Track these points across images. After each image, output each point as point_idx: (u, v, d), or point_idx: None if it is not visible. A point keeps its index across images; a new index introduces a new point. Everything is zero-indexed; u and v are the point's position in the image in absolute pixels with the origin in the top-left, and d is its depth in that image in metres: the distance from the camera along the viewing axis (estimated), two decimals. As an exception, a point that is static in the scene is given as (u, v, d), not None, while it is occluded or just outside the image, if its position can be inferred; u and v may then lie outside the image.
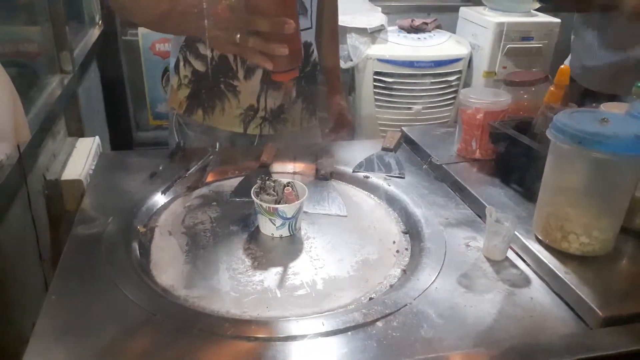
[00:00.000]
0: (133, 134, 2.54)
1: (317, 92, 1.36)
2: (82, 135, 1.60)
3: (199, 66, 1.17)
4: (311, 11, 1.21)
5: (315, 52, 1.29)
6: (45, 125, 1.26)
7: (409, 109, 2.52)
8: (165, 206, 0.98)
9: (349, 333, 0.68)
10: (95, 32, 2.11)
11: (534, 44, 2.50)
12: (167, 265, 0.81)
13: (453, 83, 2.52)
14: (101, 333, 0.66)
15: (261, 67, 0.97)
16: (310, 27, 1.23)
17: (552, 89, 1.02)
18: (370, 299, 0.76)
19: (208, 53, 1.14)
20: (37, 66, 1.51)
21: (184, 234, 0.90)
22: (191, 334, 0.66)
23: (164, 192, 0.99)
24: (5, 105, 0.94)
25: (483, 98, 1.13)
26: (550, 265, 0.79)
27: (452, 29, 2.73)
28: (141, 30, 2.22)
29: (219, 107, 1.20)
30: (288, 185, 0.89)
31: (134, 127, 2.54)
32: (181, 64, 1.20)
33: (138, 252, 0.84)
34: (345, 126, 1.43)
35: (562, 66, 1.02)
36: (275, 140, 1.24)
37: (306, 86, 1.27)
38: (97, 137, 1.57)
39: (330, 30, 1.39)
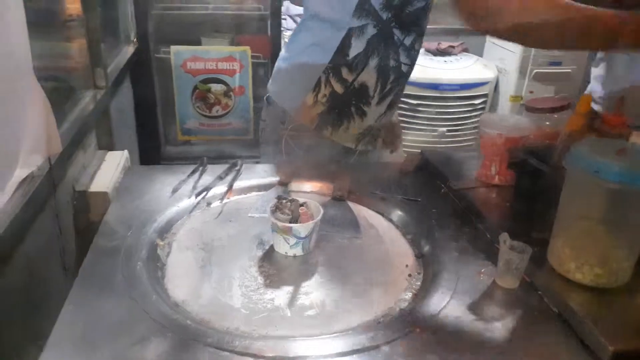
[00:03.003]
0: (162, 148, 2.59)
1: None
2: (112, 149, 1.65)
3: (338, 88, 1.22)
4: None
5: None
6: (76, 138, 1.31)
7: (434, 131, 2.52)
8: (184, 221, 1.00)
9: (355, 356, 0.68)
10: (129, 49, 2.18)
11: (562, 69, 2.48)
12: (182, 280, 0.84)
13: (479, 106, 2.52)
14: (113, 343, 0.68)
15: None
16: None
17: (573, 116, 1.02)
18: (379, 322, 0.77)
19: (350, 78, 1.20)
20: (73, 81, 1.58)
21: (201, 249, 0.92)
22: (200, 349, 0.68)
23: (186, 207, 1.02)
24: (38, 119, 0.99)
25: (503, 124, 1.13)
26: (563, 296, 0.78)
27: (479, 52, 2.73)
28: (173, 49, 2.29)
29: (345, 125, 1.26)
30: (303, 205, 0.91)
31: (163, 142, 2.60)
32: (322, 84, 1.23)
33: (155, 265, 0.86)
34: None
35: (584, 94, 1.01)
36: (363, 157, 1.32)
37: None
38: (125, 151, 1.62)
39: None
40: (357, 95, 1.22)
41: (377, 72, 1.19)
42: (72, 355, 0.66)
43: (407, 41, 1.19)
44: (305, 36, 1.25)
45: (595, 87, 1.66)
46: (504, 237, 0.84)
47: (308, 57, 1.23)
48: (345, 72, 1.20)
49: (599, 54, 1.66)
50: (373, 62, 1.18)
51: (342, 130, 1.26)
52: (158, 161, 2.53)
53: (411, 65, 1.25)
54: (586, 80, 2.49)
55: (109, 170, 1.46)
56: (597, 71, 1.69)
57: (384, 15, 1.14)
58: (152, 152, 2.46)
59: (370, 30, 1.16)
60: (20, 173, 0.93)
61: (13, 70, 0.90)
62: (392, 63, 1.19)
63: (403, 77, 1.24)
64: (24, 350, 0.81)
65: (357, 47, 1.17)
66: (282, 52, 1.33)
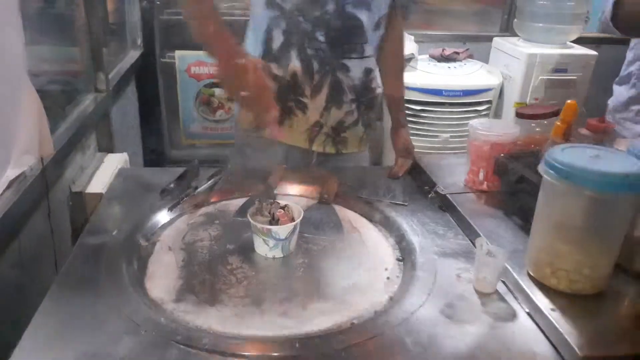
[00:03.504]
0: (167, 152, 2.63)
1: (375, 120, 1.41)
2: (112, 151, 1.68)
3: (272, 85, 1.22)
4: (372, 42, 1.27)
5: (378, 80, 1.33)
6: (73, 140, 1.34)
7: (436, 137, 2.51)
8: (169, 222, 1.02)
9: (324, 357, 0.69)
10: (135, 54, 2.22)
11: (568, 76, 2.46)
12: (161, 279, 0.85)
13: (483, 113, 2.51)
14: (85, 340, 0.70)
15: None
16: (370, 56, 1.28)
17: (557, 123, 1.02)
18: (352, 324, 0.77)
19: (281, 72, 1.22)
20: (77, 84, 1.61)
21: (182, 250, 0.94)
22: (171, 346, 0.69)
23: (170, 209, 1.04)
24: (31, 120, 1.02)
25: (492, 130, 1.13)
26: (536, 301, 0.78)
27: (484, 59, 2.72)
28: (178, 53, 2.33)
29: (288, 123, 1.27)
30: (284, 208, 0.92)
31: (167, 146, 2.63)
32: None
33: (136, 265, 0.88)
34: (409, 159, 1.37)
35: (568, 101, 1.01)
36: (328, 162, 1.32)
37: (366, 111, 1.33)
38: (125, 154, 1.65)
39: (395, 63, 1.41)
40: (291, 88, 1.23)
41: (301, 64, 1.20)
42: (45, 351, 0.68)
43: (319, 34, 1.18)
44: (248, 34, 1.28)
45: (618, 107, 1.58)
46: (481, 241, 0.85)
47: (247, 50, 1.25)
48: (275, 68, 1.22)
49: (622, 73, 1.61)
50: (294, 54, 1.20)
51: (287, 128, 1.26)
52: (162, 164, 2.56)
53: (330, 57, 1.21)
54: (592, 88, 2.47)
55: (107, 172, 1.48)
56: (620, 90, 1.61)
57: (287, 6, 1.16)
58: (156, 155, 2.49)
59: (282, 22, 1.18)
60: (11, 172, 0.96)
61: (6, 72, 0.92)
62: (310, 53, 1.20)
63: (328, 67, 1.22)
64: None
65: (277, 39, 1.19)
66: None
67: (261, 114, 0.98)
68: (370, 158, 1.47)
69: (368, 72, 1.28)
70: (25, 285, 1.00)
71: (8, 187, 0.95)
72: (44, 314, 0.75)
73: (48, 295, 0.78)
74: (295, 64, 1.20)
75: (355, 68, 1.25)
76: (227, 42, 1.02)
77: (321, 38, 1.19)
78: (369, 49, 1.26)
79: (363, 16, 1.20)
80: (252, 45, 1.24)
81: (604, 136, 0.93)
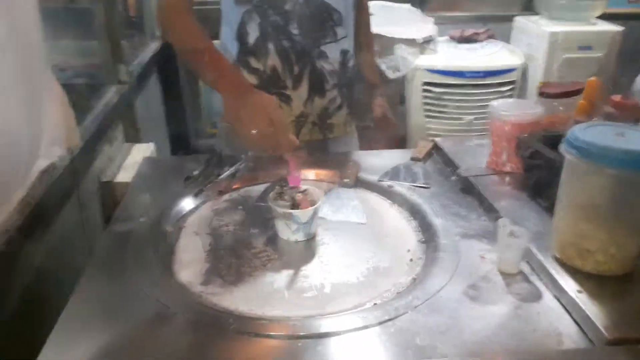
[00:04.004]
0: (191, 140, 2.67)
1: (357, 99, 1.41)
2: (139, 142, 1.72)
3: (252, 79, 1.25)
4: (348, 20, 1.28)
5: (353, 59, 1.34)
6: (100, 131, 1.37)
7: (460, 119, 2.49)
8: (195, 208, 1.04)
9: (345, 336, 0.71)
10: (155, 45, 2.25)
11: (592, 54, 2.40)
12: (189, 263, 0.88)
13: (506, 94, 2.47)
14: (118, 323, 0.73)
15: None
16: (346, 36, 1.28)
17: (581, 102, 1.00)
18: (375, 304, 0.78)
19: (260, 66, 1.22)
20: (100, 77, 1.65)
21: (208, 234, 0.96)
22: (199, 327, 0.72)
23: (195, 195, 1.06)
24: (57, 112, 1.04)
25: (512, 110, 1.12)
26: (562, 282, 0.78)
27: (506, 39, 2.67)
28: (198, 43, 2.35)
29: None
30: (304, 192, 0.93)
31: (192, 134, 2.67)
32: None
33: (164, 250, 0.91)
34: (389, 127, 1.45)
35: (590, 79, 0.99)
36: (318, 147, 1.32)
37: (348, 93, 1.34)
38: (151, 144, 1.68)
39: (365, 34, 1.45)
40: (272, 81, 1.23)
41: (278, 55, 1.21)
42: (79, 333, 0.71)
43: (292, 26, 1.19)
44: (224, 28, 1.28)
45: None
46: (504, 222, 0.84)
47: (226, 48, 1.25)
48: (254, 62, 1.22)
49: None
50: (271, 46, 1.20)
51: None
52: (188, 153, 2.60)
53: (306, 48, 1.22)
54: (618, 66, 2.41)
55: (134, 161, 1.52)
56: None
57: (256, 1, 1.16)
58: (182, 144, 2.53)
59: (256, 16, 1.18)
60: (41, 163, 0.99)
61: (30, 67, 0.95)
62: (286, 45, 1.20)
63: (305, 58, 1.22)
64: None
65: (253, 33, 1.19)
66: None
67: (276, 152, 0.99)
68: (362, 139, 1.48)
69: (344, 53, 1.29)
70: (59, 271, 1.04)
71: (39, 177, 0.98)
72: (78, 299, 0.77)
73: (80, 282, 0.81)
74: (273, 57, 1.21)
75: (332, 52, 1.26)
76: (234, 79, 1.05)
77: (295, 31, 1.19)
78: (342, 31, 1.26)
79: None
80: (228, 40, 1.24)
81: (629, 114, 0.91)
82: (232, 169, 1.15)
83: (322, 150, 1.35)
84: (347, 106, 1.36)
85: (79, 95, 1.38)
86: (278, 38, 1.19)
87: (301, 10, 1.18)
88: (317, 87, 1.26)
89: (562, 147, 0.78)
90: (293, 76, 1.24)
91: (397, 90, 2.61)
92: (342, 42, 1.27)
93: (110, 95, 1.54)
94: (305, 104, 1.27)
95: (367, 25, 1.46)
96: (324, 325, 0.72)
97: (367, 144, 1.47)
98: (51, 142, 1.02)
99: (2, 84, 0.86)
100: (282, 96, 1.25)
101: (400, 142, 2.51)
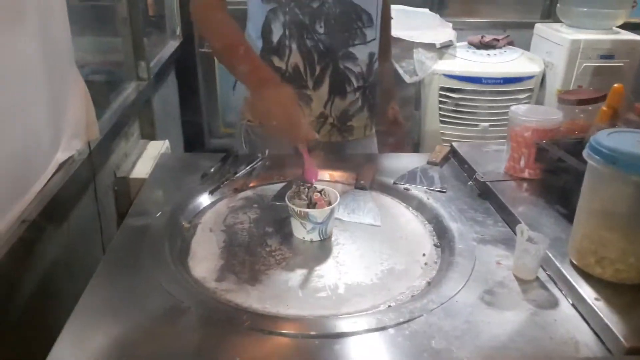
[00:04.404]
0: (205, 140, 2.68)
1: (377, 102, 1.41)
2: (154, 139, 1.73)
3: None
4: (377, 23, 1.28)
5: (377, 62, 1.34)
6: (117, 126, 1.38)
7: (475, 126, 2.47)
8: (210, 205, 1.05)
9: (359, 337, 0.70)
10: (174, 44, 2.27)
11: (614, 63, 2.37)
12: (203, 259, 0.88)
13: (523, 101, 2.45)
14: (132, 317, 0.73)
15: None
16: (375, 39, 1.29)
17: (603, 108, 0.99)
18: (389, 306, 0.78)
19: (282, 65, 1.22)
20: (121, 73, 1.67)
21: (223, 231, 0.96)
22: (212, 323, 0.72)
23: (211, 192, 1.07)
24: (79, 106, 1.06)
25: (532, 116, 1.11)
26: (580, 290, 0.77)
27: (526, 46, 2.65)
28: (217, 43, 2.36)
29: None
30: (321, 192, 0.93)
31: (206, 134, 2.68)
32: None
33: (179, 245, 0.91)
34: (399, 131, 1.48)
35: (614, 85, 0.98)
36: (336, 149, 1.32)
37: (370, 95, 1.34)
38: (166, 141, 1.70)
39: (384, 40, 1.43)
40: (294, 80, 1.22)
41: (301, 55, 1.20)
42: (93, 326, 0.71)
43: (318, 25, 1.18)
44: (248, 25, 1.28)
45: None
46: (522, 227, 0.83)
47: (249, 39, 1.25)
48: (276, 60, 1.22)
49: None
50: (294, 45, 1.19)
51: None
52: (202, 152, 2.62)
53: (330, 48, 1.22)
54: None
55: (150, 158, 1.53)
56: None
57: None
58: (196, 143, 2.55)
59: (281, 15, 1.17)
60: (61, 156, 1.00)
61: (56, 61, 0.96)
62: (309, 44, 1.19)
63: (328, 59, 1.22)
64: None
65: (277, 31, 1.19)
66: None
67: (294, 142, 1.02)
68: (378, 141, 1.48)
69: (371, 55, 1.29)
70: (74, 264, 1.04)
71: (58, 169, 0.99)
72: (92, 292, 0.78)
73: (95, 274, 0.81)
74: (295, 56, 1.21)
75: (361, 54, 1.25)
76: (264, 74, 1.07)
77: (321, 30, 1.19)
78: (371, 33, 1.26)
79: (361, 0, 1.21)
80: (252, 39, 1.24)
81: (653, 122, 0.90)
82: (248, 168, 1.15)
83: (340, 152, 1.34)
84: (368, 109, 1.35)
85: (98, 91, 1.40)
86: (302, 37, 1.19)
87: (329, 10, 1.18)
88: (338, 88, 1.26)
89: (585, 153, 0.77)
90: (314, 76, 1.24)
91: (413, 95, 2.60)
92: (371, 44, 1.27)
93: (130, 91, 1.56)
94: (325, 105, 1.27)
95: (388, 28, 1.46)
96: (339, 325, 0.71)
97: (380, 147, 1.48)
98: (72, 136, 1.03)
99: (31, 78, 0.87)
100: (303, 96, 1.25)
101: (412, 148, 2.50)
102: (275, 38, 1.20)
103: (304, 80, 1.24)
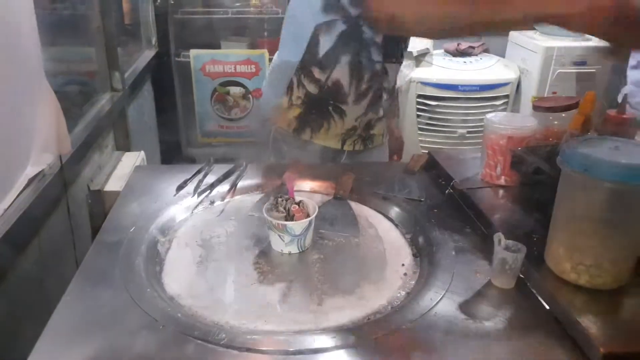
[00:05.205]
0: (183, 149, 2.65)
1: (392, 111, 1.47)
2: (129, 150, 1.70)
3: (312, 89, 1.25)
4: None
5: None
6: (91, 138, 1.35)
7: (453, 132, 2.49)
8: (186, 219, 1.03)
9: (339, 353, 0.69)
10: (150, 53, 2.24)
11: (586, 69, 2.42)
12: (178, 275, 0.86)
13: (500, 108, 2.48)
14: (105, 333, 0.71)
15: None
16: (404, 57, 1.33)
17: (576, 115, 1.00)
18: (368, 319, 0.77)
19: (322, 77, 1.22)
20: (94, 84, 1.63)
21: (199, 246, 0.94)
22: (188, 341, 0.70)
23: (187, 205, 1.05)
24: (49, 119, 1.03)
25: (507, 123, 1.12)
26: (557, 296, 0.77)
27: (501, 53, 2.69)
28: (193, 52, 2.34)
29: (325, 127, 1.28)
30: (299, 204, 0.92)
31: (184, 143, 2.65)
32: (294, 85, 1.27)
33: (154, 260, 0.89)
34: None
35: (587, 92, 0.99)
36: (358, 157, 1.35)
37: (389, 102, 1.37)
38: (142, 152, 1.67)
39: None
40: (332, 94, 1.23)
41: (350, 69, 1.20)
42: (65, 344, 0.69)
43: (379, 39, 1.19)
44: (283, 36, 1.27)
45: (634, 92, 1.57)
46: (499, 236, 0.84)
47: (284, 57, 1.25)
48: (317, 72, 1.22)
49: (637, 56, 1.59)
50: (344, 59, 1.19)
51: (323, 132, 1.27)
52: (179, 163, 2.58)
53: (383, 64, 1.23)
54: (612, 81, 2.43)
55: (124, 170, 1.50)
56: (636, 75, 1.59)
57: (353, 11, 1.15)
58: (173, 153, 2.51)
59: (340, 26, 1.17)
60: (30, 171, 0.98)
61: (25, 73, 0.94)
62: (364, 60, 1.20)
63: (378, 75, 1.24)
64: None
65: (325, 44, 1.18)
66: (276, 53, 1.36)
67: None
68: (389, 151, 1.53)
69: (397, 73, 1.32)
70: (45, 280, 1.01)
71: (28, 185, 0.97)
72: (64, 309, 0.76)
73: (68, 291, 0.79)
74: (341, 71, 1.20)
75: (392, 72, 1.28)
76: None
77: (373, 49, 1.20)
78: (406, 53, 1.31)
79: None
80: (291, 49, 1.24)
81: (624, 128, 0.91)
82: (225, 180, 1.13)
83: (360, 160, 1.36)
84: (385, 116, 1.38)
85: (71, 102, 1.37)
86: (355, 54, 1.19)
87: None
88: (376, 104, 1.28)
89: (559, 160, 0.77)
90: (358, 92, 1.24)
91: (396, 103, 2.61)
92: (401, 63, 1.31)
93: (104, 102, 1.53)
94: (357, 119, 1.28)
95: None
96: (318, 340, 0.70)
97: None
98: (42, 149, 1.00)
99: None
100: (337, 109, 1.25)
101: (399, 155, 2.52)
102: (321, 50, 1.19)
103: (344, 94, 1.24)
